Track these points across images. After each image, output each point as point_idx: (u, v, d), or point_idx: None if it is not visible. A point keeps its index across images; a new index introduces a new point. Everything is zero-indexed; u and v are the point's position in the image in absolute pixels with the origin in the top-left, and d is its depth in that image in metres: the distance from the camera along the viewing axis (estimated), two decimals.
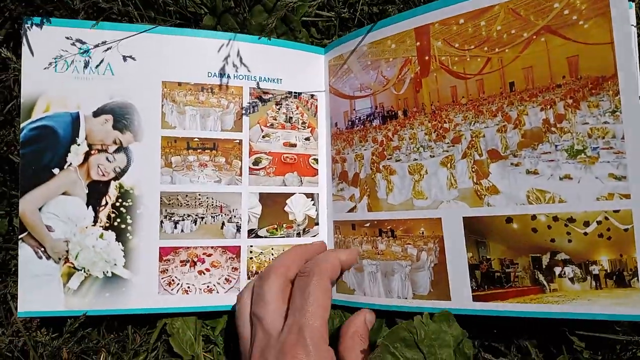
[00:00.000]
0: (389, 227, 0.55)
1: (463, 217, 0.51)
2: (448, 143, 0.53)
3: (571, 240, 0.46)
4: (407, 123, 0.56)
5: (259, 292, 0.49)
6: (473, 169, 0.51)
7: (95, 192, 0.55)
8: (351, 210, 0.58)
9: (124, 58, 0.56)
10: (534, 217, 0.47)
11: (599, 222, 0.44)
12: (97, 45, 0.56)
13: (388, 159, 0.56)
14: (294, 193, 0.60)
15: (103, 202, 0.55)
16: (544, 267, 0.47)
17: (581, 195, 0.45)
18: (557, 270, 0.47)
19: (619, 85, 0.44)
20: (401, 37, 0.55)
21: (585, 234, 0.45)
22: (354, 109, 0.59)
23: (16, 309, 0.58)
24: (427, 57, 0.54)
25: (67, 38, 0.55)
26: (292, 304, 0.47)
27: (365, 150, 0.58)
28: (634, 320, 0.43)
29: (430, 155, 0.54)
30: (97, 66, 0.56)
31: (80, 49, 0.55)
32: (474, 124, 0.52)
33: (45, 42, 0.55)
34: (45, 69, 0.55)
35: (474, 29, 0.51)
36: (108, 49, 0.56)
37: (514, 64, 0.49)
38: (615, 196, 0.44)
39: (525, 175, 0.48)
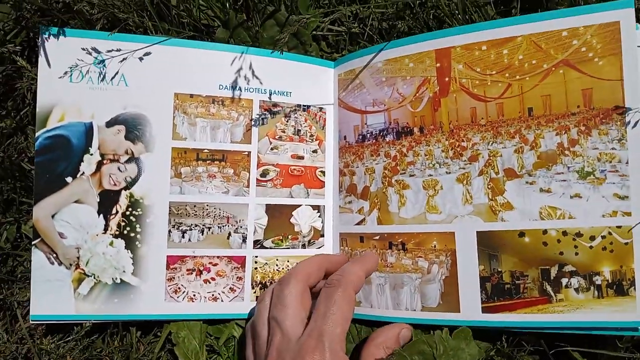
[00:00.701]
0: (399, 240, 0.57)
1: (477, 232, 0.53)
2: (465, 161, 0.55)
3: (578, 253, 0.50)
4: (423, 140, 0.57)
5: (279, 295, 0.49)
6: (489, 186, 0.54)
7: (107, 201, 0.56)
8: (359, 223, 0.59)
9: (138, 70, 0.57)
10: (545, 231, 0.51)
11: (603, 237, 0.49)
12: (112, 56, 0.57)
13: (401, 174, 0.58)
14: (301, 205, 0.61)
15: (114, 211, 0.56)
16: (552, 278, 0.50)
17: (589, 212, 0.49)
18: (564, 281, 0.50)
19: (625, 117, 0.48)
20: (420, 57, 0.57)
21: (591, 247, 0.49)
22: (366, 123, 0.61)
23: (22, 315, 0.59)
24: (447, 79, 0.56)
25: (83, 49, 0.56)
26: (315, 311, 0.47)
27: (377, 164, 0.59)
28: (630, 326, 0.47)
29: (447, 172, 0.56)
30: (112, 77, 0.57)
31: (95, 58, 0.56)
32: (492, 144, 0.54)
33: (61, 52, 0.56)
34: (60, 78, 0.56)
35: (496, 55, 0.54)
36: (124, 59, 0.57)
37: (533, 92, 0.53)
38: (618, 213, 0.48)
39: (539, 193, 0.51)
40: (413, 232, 0.56)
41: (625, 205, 0.48)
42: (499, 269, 0.52)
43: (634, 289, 0.47)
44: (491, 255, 0.52)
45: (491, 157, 0.54)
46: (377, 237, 0.58)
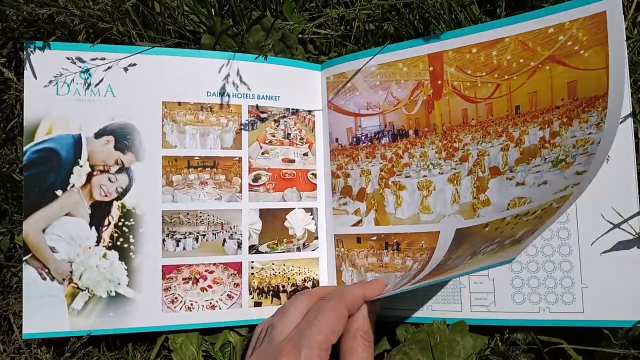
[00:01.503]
0: (395, 241, 0.57)
1: (457, 229, 0.53)
2: (456, 161, 0.56)
3: (513, 228, 0.48)
4: (418, 142, 0.58)
5: (284, 304, 0.50)
6: (475, 185, 0.54)
7: (98, 213, 0.56)
8: (356, 224, 0.59)
9: (125, 79, 0.57)
10: (503, 219, 0.50)
11: (544, 210, 0.46)
12: (96, 64, 0.56)
13: (398, 175, 0.58)
14: (294, 208, 0.61)
15: (106, 222, 0.56)
16: None
17: (546, 193, 0.48)
18: None
19: (608, 101, 0.46)
20: (414, 61, 0.57)
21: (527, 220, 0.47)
22: (360, 126, 0.61)
23: (18, 327, 0.58)
24: (440, 82, 0.56)
25: (68, 58, 0.56)
26: (303, 319, 0.47)
27: (373, 166, 0.60)
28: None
29: (439, 173, 0.56)
30: (98, 88, 0.56)
31: (80, 67, 0.56)
32: (481, 143, 0.55)
33: (46, 63, 0.55)
34: (46, 87, 0.55)
35: (486, 57, 0.54)
36: (109, 68, 0.56)
37: (521, 89, 0.52)
38: (568, 187, 0.45)
39: (514, 187, 0.51)
40: (407, 233, 0.56)
41: (579, 178, 0.46)
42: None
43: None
44: (452, 248, 0.52)
45: (479, 157, 0.54)
46: (375, 238, 0.58)
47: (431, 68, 0.57)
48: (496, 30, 0.53)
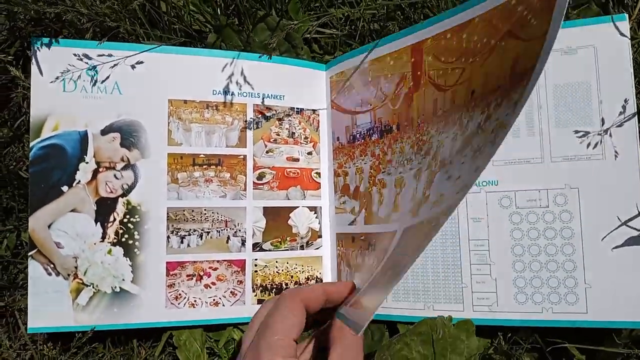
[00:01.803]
0: (374, 241, 0.55)
1: (404, 229, 0.48)
2: (422, 155, 0.52)
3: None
4: (399, 137, 0.56)
5: (252, 318, 0.47)
6: (428, 180, 0.48)
7: (104, 209, 0.56)
8: (352, 223, 0.59)
9: (131, 77, 0.57)
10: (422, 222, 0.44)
11: None
12: (103, 62, 0.57)
13: (382, 172, 0.57)
14: (297, 206, 0.61)
15: (111, 219, 0.56)
16: None
17: (452, 193, 0.40)
18: None
19: (532, 74, 0.35)
20: (399, 54, 0.56)
21: None
22: (355, 124, 0.60)
23: (24, 323, 0.59)
24: (419, 72, 0.55)
25: (75, 55, 0.56)
26: (260, 325, 0.44)
27: (365, 164, 0.59)
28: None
29: (410, 168, 0.53)
30: (105, 85, 0.57)
31: (87, 63, 0.56)
32: (441, 134, 0.50)
33: (53, 60, 0.56)
34: (52, 83, 0.55)
35: (458, 42, 0.51)
36: (115, 65, 0.57)
37: (478, 72, 0.47)
38: (460, 192, 0.37)
39: (444, 182, 0.44)
40: (379, 232, 0.54)
41: (474, 174, 0.37)
42: None
43: None
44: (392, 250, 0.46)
45: (437, 149, 0.49)
46: (362, 237, 0.57)
47: (413, 59, 0.55)
48: (467, 12, 0.50)
